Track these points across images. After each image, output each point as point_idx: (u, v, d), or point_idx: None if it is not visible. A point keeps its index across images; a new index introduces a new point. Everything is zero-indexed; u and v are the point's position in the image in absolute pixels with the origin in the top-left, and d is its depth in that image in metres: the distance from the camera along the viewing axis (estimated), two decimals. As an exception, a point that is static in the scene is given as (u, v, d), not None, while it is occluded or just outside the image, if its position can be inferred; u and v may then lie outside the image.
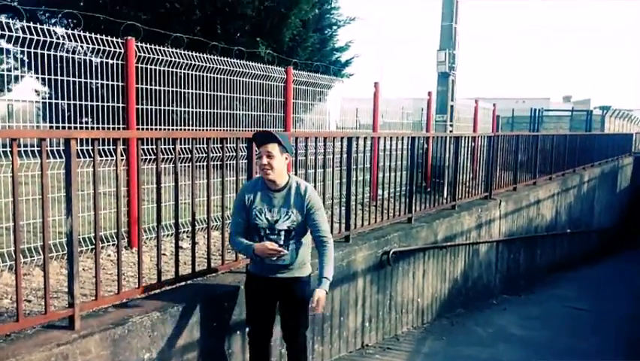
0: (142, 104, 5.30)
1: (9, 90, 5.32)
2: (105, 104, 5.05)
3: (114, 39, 5.00)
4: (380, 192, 6.21)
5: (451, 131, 9.58)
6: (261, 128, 6.73)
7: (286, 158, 3.41)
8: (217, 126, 6.17)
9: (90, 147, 3.28)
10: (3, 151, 3.95)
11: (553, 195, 11.29)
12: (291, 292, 3.51)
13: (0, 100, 5.22)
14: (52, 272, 4.22)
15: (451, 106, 10.19)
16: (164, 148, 4.50)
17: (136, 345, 3.20)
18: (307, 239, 3.58)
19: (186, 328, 3.49)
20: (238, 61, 6.47)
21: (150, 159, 5.06)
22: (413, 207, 6.39)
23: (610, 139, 19.17)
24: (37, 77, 5.26)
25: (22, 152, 4.24)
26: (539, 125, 22.20)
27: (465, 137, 7.90)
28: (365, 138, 5.67)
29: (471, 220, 7.54)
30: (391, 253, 5.60)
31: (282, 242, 3.39)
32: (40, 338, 2.89)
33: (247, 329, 3.68)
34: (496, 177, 8.78)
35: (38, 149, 2.85)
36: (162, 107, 5.53)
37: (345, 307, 5.06)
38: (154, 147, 3.50)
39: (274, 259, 3.39)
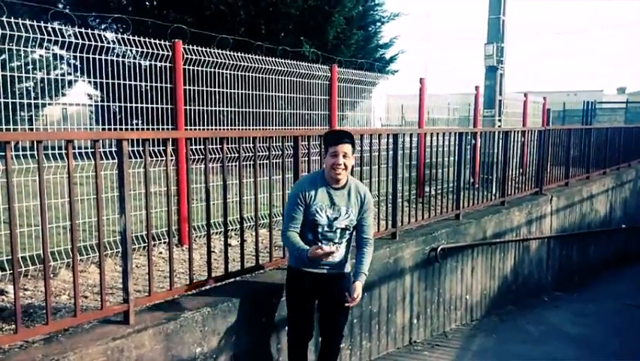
0: (190, 105, 5.43)
1: (63, 95, 5.54)
2: (154, 105, 5.19)
3: (162, 42, 5.13)
4: (427, 188, 6.13)
5: (499, 126, 9.36)
6: (306, 127, 6.78)
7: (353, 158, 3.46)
8: (263, 125, 6.25)
9: (141, 148, 3.40)
10: (59, 153, 4.12)
11: (608, 189, 10.88)
12: (334, 288, 3.53)
13: (55, 104, 5.43)
14: (107, 269, 4.36)
15: (499, 100, 9.96)
16: (213, 148, 4.60)
17: (188, 340, 3.28)
18: (352, 238, 3.62)
19: (235, 323, 3.56)
20: (283, 60, 6.53)
21: (199, 159, 5.18)
22: (461, 204, 6.29)
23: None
24: (90, 82, 5.46)
25: (77, 154, 4.41)
26: (592, 119, 21.43)
27: (514, 131, 7.70)
28: (411, 135, 5.62)
29: (521, 216, 7.35)
30: (439, 249, 5.53)
31: (337, 240, 3.43)
32: (97, 333, 3.01)
33: (287, 327, 3.69)
34: (547, 172, 8.53)
35: (92, 150, 2.96)
36: (209, 108, 5.65)
37: (392, 303, 5.04)
38: (202, 146, 3.58)
39: (325, 260, 3.41)
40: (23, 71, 4.63)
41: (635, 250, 12.10)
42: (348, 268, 3.62)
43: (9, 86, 4.24)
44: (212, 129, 5.57)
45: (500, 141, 7.37)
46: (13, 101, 4.06)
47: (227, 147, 3.89)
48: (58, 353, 2.74)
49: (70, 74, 5.67)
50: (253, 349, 3.73)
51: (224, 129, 5.80)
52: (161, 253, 5.08)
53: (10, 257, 3.53)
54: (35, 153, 2.63)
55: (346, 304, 3.41)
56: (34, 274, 4.27)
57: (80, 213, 4.63)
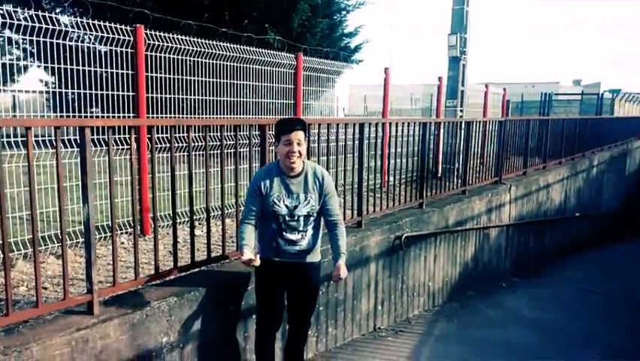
0: (151, 93, 5.30)
1: (15, 82, 5.31)
2: (115, 92, 5.06)
3: (123, 27, 4.99)
4: (392, 178, 6.19)
5: (461, 117, 9.53)
6: (272, 116, 6.73)
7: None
8: (227, 114, 6.17)
9: (101, 136, 3.31)
10: (14, 141, 3.98)
11: (563, 179, 11.24)
12: (303, 277, 3.54)
13: (5, 91, 5.21)
14: (67, 260, 4.27)
15: (462, 91, 10.14)
16: (178, 137, 4.52)
17: (154, 329, 3.25)
18: (320, 224, 3.61)
19: (203, 312, 3.54)
20: (248, 48, 6.45)
21: (163, 148, 5.09)
22: (424, 193, 6.39)
23: (620, 122, 18.99)
24: (45, 67, 5.22)
25: (34, 142, 4.27)
26: (549, 110, 22.01)
27: (476, 121, 7.86)
28: (377, 124, 5.67)
29: (481, 205, 7.53)
30: (403, 237, 5.62)
31: (301, 228, 3.41)
32: (60, 324, 2.94)
33: (255, 316, 3.70)
34: (506, 161, 8.75)
35: (50, 138, 2.87)
36: (172, 96, 5.54)
37: (358, 291, 5.10)
38: (166, 135, 3.52)
39: (289, 247, 3.41)
40: None
41: (587, 238, 12.58)
42: (317, 258, 3.62)
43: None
44: (174, 117, 5.46)
45: (462, 131, 7.51)
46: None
47: (193, 136, 3.84)
48: (20, 344, 2.67)
49: (23, 59, 5.44)
50: (220, 337, 3.73)
51: (187, 118, 5.70)
52: (122, 243, 4.99)
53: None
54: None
55: (333, 281, 3.51)
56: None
57: (38, 202, 4.50)
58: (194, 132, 3.65)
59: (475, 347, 5.20)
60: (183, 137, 3.86)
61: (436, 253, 6.46)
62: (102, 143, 3.57)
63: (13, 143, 4.02)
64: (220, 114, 6.07)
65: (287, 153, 3.30)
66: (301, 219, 3.41)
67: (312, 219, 3.48)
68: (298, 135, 3.29)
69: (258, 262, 3.24)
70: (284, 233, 3.41)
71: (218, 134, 3.86)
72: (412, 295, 6.08)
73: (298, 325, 3.74)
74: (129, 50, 5.05)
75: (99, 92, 4.98)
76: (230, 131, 4.15)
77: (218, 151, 3.91)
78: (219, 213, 4.04)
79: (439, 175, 8.27)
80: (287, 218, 3.38)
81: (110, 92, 5.04)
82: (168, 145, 3.65)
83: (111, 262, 3.36)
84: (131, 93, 5.11)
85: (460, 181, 7.50)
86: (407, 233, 5.72)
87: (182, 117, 5.64)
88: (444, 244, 6.65)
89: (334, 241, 3.53)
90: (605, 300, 7.65)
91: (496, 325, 5.99)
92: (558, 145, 11.49)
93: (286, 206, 3.38)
